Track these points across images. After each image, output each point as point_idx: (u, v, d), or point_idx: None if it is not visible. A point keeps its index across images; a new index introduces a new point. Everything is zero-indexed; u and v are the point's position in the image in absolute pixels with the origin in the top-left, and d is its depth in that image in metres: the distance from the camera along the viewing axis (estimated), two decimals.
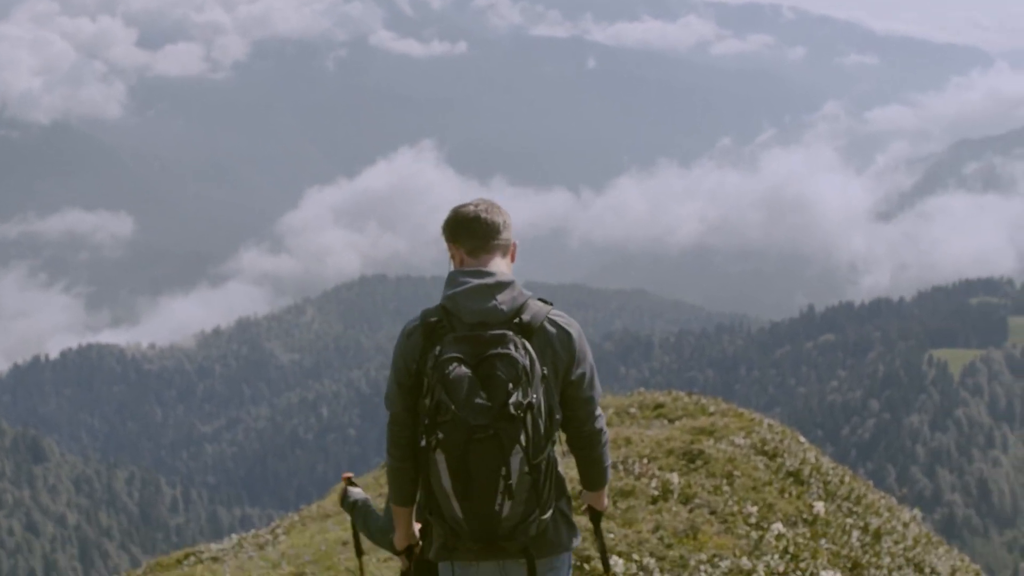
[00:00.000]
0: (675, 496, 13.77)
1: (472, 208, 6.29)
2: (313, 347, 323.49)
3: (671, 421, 21.57)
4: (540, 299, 6.15)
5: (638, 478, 14.32)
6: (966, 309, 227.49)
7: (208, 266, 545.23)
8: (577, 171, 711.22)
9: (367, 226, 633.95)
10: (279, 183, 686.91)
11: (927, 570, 14.50)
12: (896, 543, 14.91)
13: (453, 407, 5.55)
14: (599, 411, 6.40)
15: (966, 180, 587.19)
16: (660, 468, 15.07)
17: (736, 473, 15.25)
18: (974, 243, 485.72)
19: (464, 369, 5.62)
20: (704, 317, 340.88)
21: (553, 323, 6.06)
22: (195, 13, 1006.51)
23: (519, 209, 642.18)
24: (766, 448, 17.62)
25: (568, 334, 6.12)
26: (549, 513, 5.93)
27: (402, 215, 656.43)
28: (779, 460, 16.97)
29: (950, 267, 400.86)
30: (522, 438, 5.63)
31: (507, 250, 6.24)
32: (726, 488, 14.50)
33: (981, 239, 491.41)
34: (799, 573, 10.31)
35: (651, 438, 17.35)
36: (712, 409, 22.35)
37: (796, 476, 16.38)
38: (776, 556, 11.05)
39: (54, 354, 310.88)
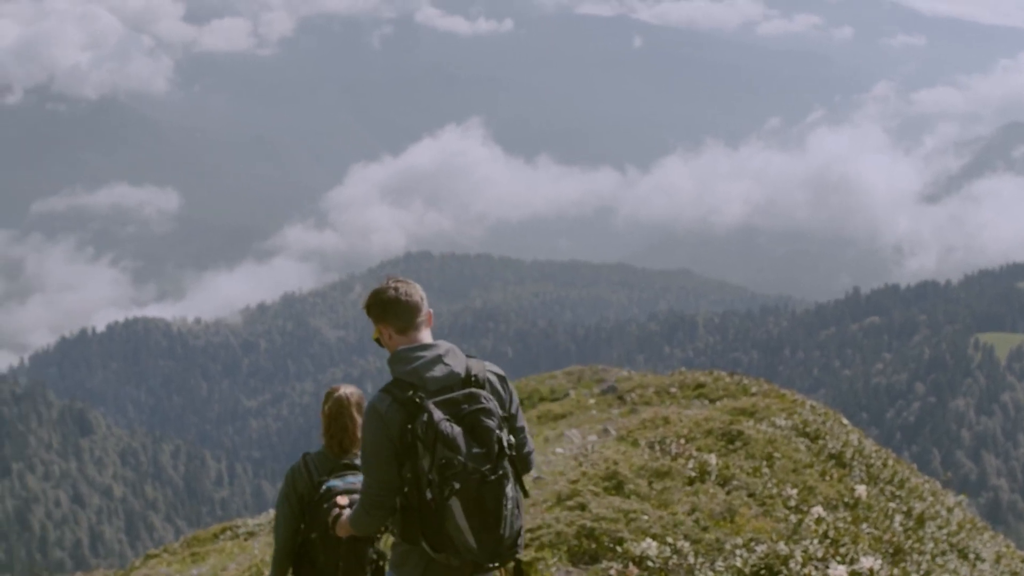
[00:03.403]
0: (712, 478, 13.51)
1: (392, 292, 7.01)
2: (358, 324, 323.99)
3: (712, 401, 21.36)
4: (467, 354, 7.08)
5: (675, 459, 14.07)
6: (1013, 293, 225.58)
7: (253, 241, 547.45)
8: (623, 150, 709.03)
9: (412, 203, 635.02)
10: (324, 159, 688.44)
11: (971, 556, 14.20)
12: (940, 528, 14.61)
13: (461, 459, 6.39)
14: (528, 436, 7.24)
15: (1015, 163, 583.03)
16: (698, 449, 14.81)
17: (776, 455, 14.97)
18: (1022, 226, 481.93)
19: (456, 427, 6.46)
20: (749, 298, 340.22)
21: (492, 372, 7.00)
22: None
23: (565, 187, 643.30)
24: (808, 430, 17.34)
25: (503, 378, 7.04)
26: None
27: (447, 192, 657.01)
28: (821, 442, 16.70)
29: (997, 250, 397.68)
30: (511, 472, 6.62)
31: (428, 321, 7.07)
32: (765, 470, 14.23)
33: None
34: (838, 559, 10.02)
35: (690, 418, 17.09)
36: (754, 390, 22.10)
37: (838, 459, 16.10)
38: (815, 541, 10.77)
39: (101, 328, 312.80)
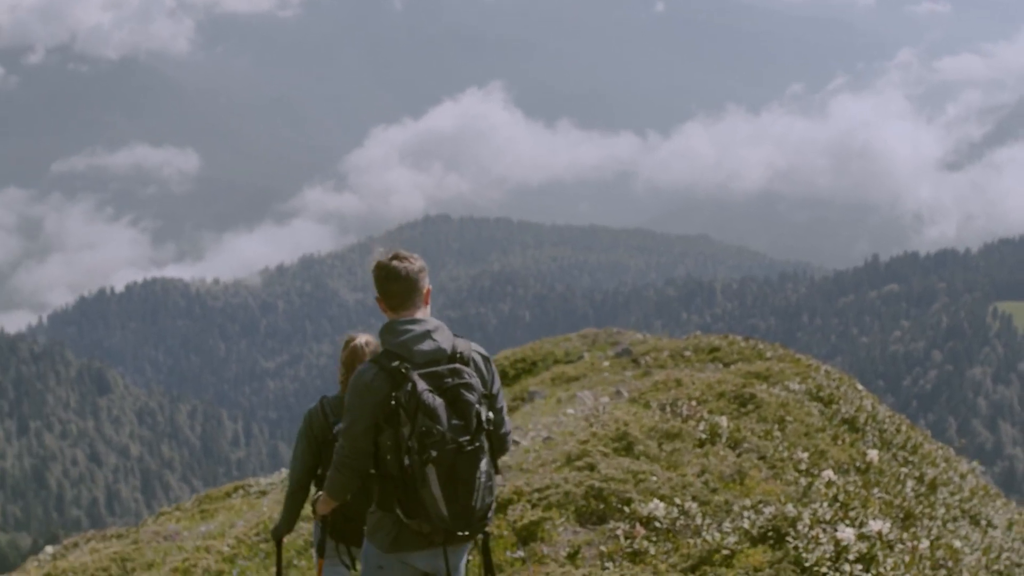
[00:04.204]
0: (723, 440, 13.42)
1: (390, 269, 7.16)
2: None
3: (726, 365, 21.27)
4: (455, 333, 7.24)
5: (685, 420, 13.99)
6: None
7: (273, 203, 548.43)
8: (644, 115, 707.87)
9: (432, 166, 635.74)
10: (344, 121, 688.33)
11: (983, 522, 14.13)
12: (952, 494, 14.53)
13: (440, 429, 6.62)
14: (508, 417, 7.59)
15: None
16: (710, 411, 14.71)
17: (788, 418, 14.87)
18: None
19: (438, 398, 6.69)
20: (767, 264, 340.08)
21: (477, 352, 7.19)
22: None
23: (586, 152, 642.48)
24: (821, 394, 17.24)
25: (487, 359, 7.25)
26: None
27: (467, 156, 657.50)
28: (834, 407, 16.59)
29: (1018, 219, 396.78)
30: (487, 446, 6.87)
31: (425, 297, 7.23)
32: (777, 433, 14.13)
33: None
34: (847, 521, 9.94)
35: (702, 380, 17.00)
36: (769, 354, 22.01)
37: (851, 423, 15.99)
38: (824, 504, 10.67)
39: (120, 287, 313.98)
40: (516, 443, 15.01)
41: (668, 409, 14.73)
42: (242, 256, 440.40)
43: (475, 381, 6.87)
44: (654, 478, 11.63)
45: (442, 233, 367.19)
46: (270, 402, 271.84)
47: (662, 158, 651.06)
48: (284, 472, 24.01)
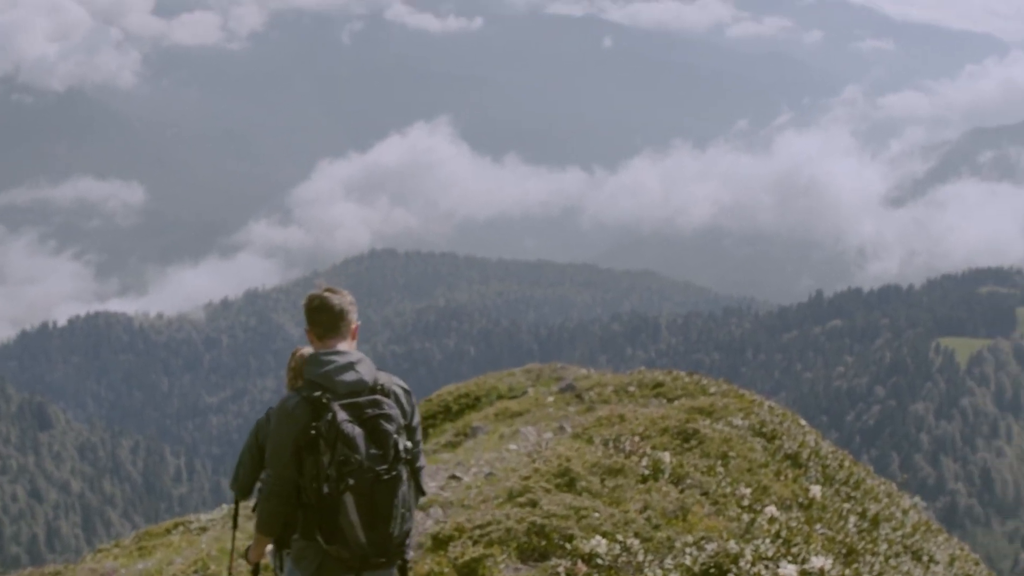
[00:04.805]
0: (666, 476, 13.39)
1: (320, 300, 7.54)
2: None
3: (670, 400, 21.21)
4: (378, 368, 7.56)
5: (628, 456, 13.93)
6: (975, 298, 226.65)
7: (218, 236, 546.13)
8: (591, 150, 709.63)
9: (378, 200, 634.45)
10: (291, 155, 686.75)
11: (925, 558, 14.14)
12: (894, 530, 14.55)
13: (358, 458, 6.90)
14: (422, 454, 7.83)
15: (980, 168, 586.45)
16: (653, 447, 14.67)
17: (731, 454, 14.85)
18: (985, 231, 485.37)
19: (357, 428, 6.98)
20: (712, 299, 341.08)
21: (398, 385, 7.52)
22: None
23: (532, 187, 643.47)
24: (764, 430, 17.23)
25: (408, 392, 7.58)
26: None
27: (413, 190, 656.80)
28: (777, 442, 16.59)
29: (960, 255, 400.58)
30: (405, 475, 7.16)
31: (352, 332, 7.58)
32: (720, 469, 14.11)
33: (992, 228, 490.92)
34: (790, 558, 9.90)
35: (646, 416, 16.95)
36: (712, 390, 21.97)
37: (794, 459, 16.00)
38: (767, 540, 10.64)
39: (62, 321, 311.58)
40: (458, 479, 14.92)
41: (611, 445, 14.68)
42: (186, 290, 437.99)
43: (395, 412, 7.13)
44: (596, 514, 11.57)
45: (388, 267, 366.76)
46: (213, 438, 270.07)
47: (609, 193, 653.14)
48: (226, 508, 23.82)
